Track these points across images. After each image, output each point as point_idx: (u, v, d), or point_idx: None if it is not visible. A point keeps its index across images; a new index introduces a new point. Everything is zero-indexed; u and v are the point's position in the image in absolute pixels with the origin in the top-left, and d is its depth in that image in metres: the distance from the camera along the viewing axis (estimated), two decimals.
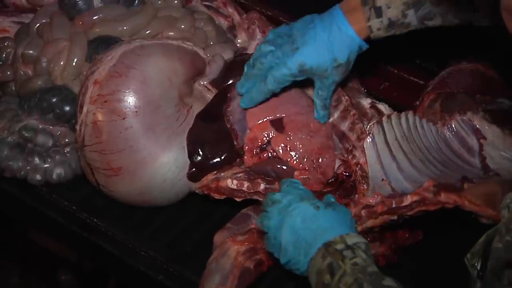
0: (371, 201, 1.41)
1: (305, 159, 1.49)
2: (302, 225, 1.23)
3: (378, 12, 1.44)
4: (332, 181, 1.50)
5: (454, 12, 1.40)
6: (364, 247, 1.18)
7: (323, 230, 1.21)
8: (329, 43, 1.45)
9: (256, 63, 1.49)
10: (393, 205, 1.40)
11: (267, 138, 1.50)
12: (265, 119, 1.51)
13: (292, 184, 1.33)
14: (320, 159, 1.49)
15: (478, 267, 1.07)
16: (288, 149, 1.49)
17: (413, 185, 1.47)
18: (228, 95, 1.52)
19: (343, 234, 1.19)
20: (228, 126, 1.49)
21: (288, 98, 1.53)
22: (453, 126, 1.52)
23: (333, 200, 1.29)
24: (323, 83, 1.47)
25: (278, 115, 1.51)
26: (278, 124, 1.51)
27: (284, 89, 1.51)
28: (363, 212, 1.42)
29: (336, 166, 1.52)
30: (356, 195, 1.49)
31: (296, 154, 1.50)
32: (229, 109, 1.51)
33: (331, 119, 1.56)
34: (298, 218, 1.24)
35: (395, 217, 1.42)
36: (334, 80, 1.47)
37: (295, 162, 1.49)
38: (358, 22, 1.45)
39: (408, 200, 1.40)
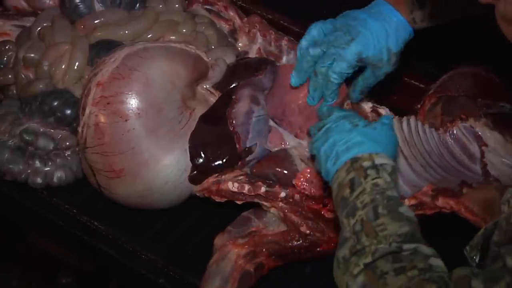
0: None
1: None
2: (338, 137, 1.24)
3: (421, 3, 1.45)
4: None
5: None
6: (390, 169, 1.18)
7: (354, 143, 1.22)
8: (384, 31, 1.46)
9: (318, 72, 1.50)
10: None
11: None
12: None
13: (335, 109, 1.37)
14: None
15: (477, 260, 1.08)
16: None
17: (413, 189, 1.48)
18: (233, 97, 1.53)
19: (372, 153, 1.20)
20: (231, 129, 1.49)
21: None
22: (455, 132, 1.53)
23: (385, 121, 1.30)
24: (374, 73, 1.49)
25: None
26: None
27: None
28: None
29: None
30: None
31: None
32: (233, 111, 1.51)
33: None
34: (336, 132, 1.26)
35: None
36: (386, 70, 1.49)
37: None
38: (403, 13, 1.46)
39: (406, 203, 1.40)
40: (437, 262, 1.04)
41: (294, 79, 1.54)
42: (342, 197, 1.18)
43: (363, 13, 1.49)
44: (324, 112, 1.42)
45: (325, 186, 1.49)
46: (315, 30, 1.51)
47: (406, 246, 1.06)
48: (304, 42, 1.51)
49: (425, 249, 1.06)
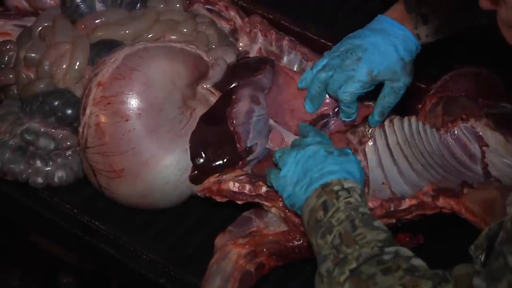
0: (370, 205, 1.41)
1: None
2: (311, 164, 1.29)
3: (425, 19, 1.45)
4: None
5: None
6: (359, 191, 1.24)
7: (328, 171, 1.27)
8: (391, 44, 1.46)
9: (320, 88, 1.51)
10: (392, 209, 1.41)
11: None
12: None
13: (316, 132, 1.41)
14: None
15: (482, 259, 1.09)
16: None
17: (413, 189, 1.47)
18: (233, 97, 1.53)
19: (341, 178, 1.25)
20: (232, 129, 1.49)
21: None
22: (456, 133, 1.52)
23: (349, 151, 1.35)
24: (393, 88, 1.48)
25: None
26: None
27: None
28: None
29: None
30: None
31: None
32: (233, 111, 1.51)
33: None
34: (310, 157, 1.30)
35: (394, 221, 1.43)
36: (404, 82, 1.48)
37: None
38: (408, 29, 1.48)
39: (406, 203, 1.41)
40: (419, 262, 1.08)
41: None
42: (316, 220, 1.22)
43: (366, 30, 1.50)
44: (301, 129, 1.46)
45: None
46: (322, 61, 1.53)
47: (387, 249, 1.10)
48: (314, 70, 1.53)
49: (405, 251, 1.10)
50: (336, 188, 1.23)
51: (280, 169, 1.36)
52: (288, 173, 1.33)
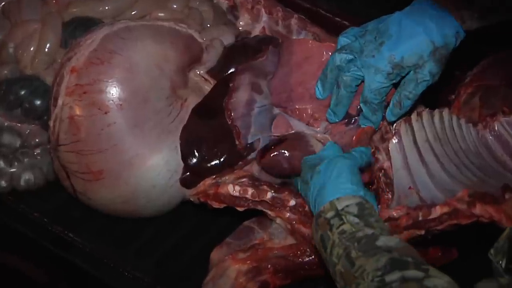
0: (394, 213, 1.40)
1: None
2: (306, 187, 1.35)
3: (469, 1, 1.42)
4: None
5: None
6: (356, 211, 1.24)
7: (318, 193, 1.31)
8: (421, 25, 1.42)
9: (341, 82, 1.48)
10: (420, 218, 1.40)
11: None
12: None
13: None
14: None
15: (503, 265, 1.09)
16: None
17: (445, 194, 1.45)
18: (231, 85, 1.51)
19: (333, 200, 1.26)
20: (230, 122, 1.48)
21: None
22: (496, 128, 1.51)
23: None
24: (415, 75, 1.43)
25: None
26: None
27: None
28: None
29: None
30: (379, 206, 1.46)
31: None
32: (231, 101, 1.49)
33: None
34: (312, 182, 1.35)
35: (423, 232, 1.41)
36: (430, 70, 1.42)
37: None
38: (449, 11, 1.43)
39: (437, 211, 1.40)
40: (432, 281, 1.06)
41: (318, 90, 1.53)
42: (323, 259, 1.25)
43: (399, 12, 1.46)
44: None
45: None
46: (342, 39, 1.50)
47: (389, 278, 1.09)
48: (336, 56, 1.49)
49: (413, 272, 1.09)
50: (329, 215, 1.25)
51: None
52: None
